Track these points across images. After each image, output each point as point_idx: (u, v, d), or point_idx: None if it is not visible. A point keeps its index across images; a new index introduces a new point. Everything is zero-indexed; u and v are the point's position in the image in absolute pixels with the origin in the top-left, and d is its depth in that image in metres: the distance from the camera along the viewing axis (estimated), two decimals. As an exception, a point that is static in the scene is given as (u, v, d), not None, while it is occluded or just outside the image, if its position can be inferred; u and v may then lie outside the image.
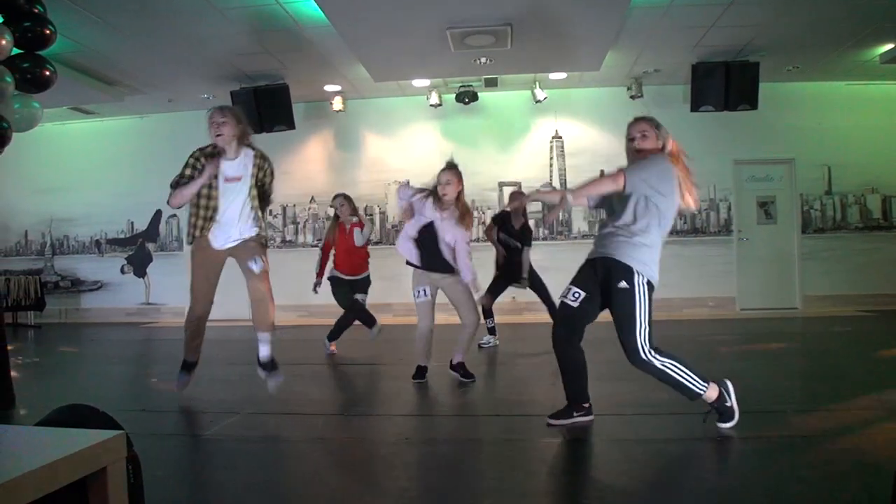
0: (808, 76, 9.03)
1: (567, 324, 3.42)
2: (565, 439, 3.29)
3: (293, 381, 5.23)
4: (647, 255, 3.27)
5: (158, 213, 10.46)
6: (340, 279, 6.30)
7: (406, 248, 4.77)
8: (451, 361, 4.89)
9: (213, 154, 4.16)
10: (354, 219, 6.31)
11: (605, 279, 3.33)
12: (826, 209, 9.47)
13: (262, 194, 4.34)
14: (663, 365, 3.24)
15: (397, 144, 10.01)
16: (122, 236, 10.58)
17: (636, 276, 3.24)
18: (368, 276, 6.51)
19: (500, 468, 2.93)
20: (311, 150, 10.17)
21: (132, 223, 10.55)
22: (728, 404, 3.32)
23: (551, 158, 9.72)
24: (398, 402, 4.44)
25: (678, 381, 3.26)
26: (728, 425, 3.31)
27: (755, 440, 3.16)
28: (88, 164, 10.44)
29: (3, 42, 4.03)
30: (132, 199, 10.33)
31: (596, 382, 4.77)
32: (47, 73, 4.52)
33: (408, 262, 4.81)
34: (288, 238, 10.12)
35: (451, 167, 4.81)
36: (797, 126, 9.37)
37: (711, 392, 3.29)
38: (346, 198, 6.33)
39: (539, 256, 9.88)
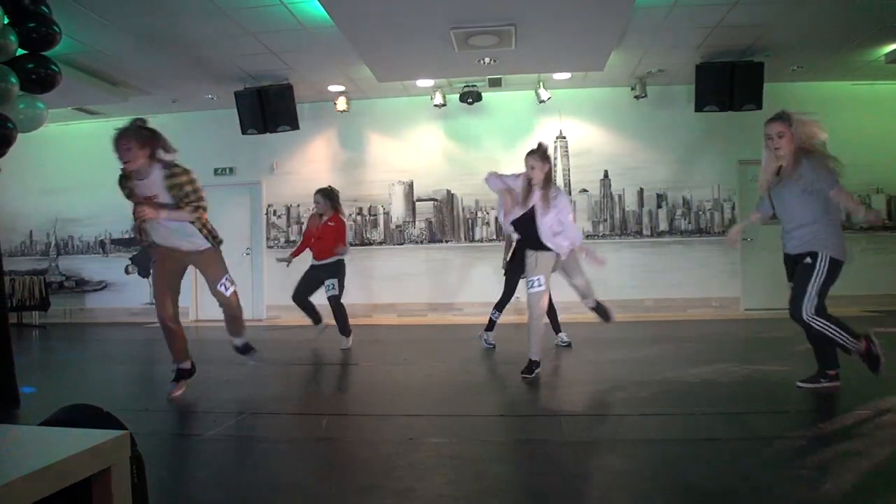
0: (812, 76, 9.01)
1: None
2: (569, 439, 3.28)
3: (296, 382, 5.24)
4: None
5: (163, 214, 10.47)
6: (311, 265, 6.73)
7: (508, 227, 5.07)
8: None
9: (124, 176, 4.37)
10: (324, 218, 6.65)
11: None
12: (831, 209, 9.44)
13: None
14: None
15: (401, 145, 10.02)
16: (126, 236, 10.58)
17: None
18: (336, 262, 6.61)
19: (505, 468, 2.92)
20: (315, 150, 10.18)
21: (136, 223, 10.55)
22: (875, 352, 3.88)
23: (555, 158, 9.70)
24: (401, 402, 4.43)
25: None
26: (877, 372, 3.87)
27: (757, 440, 3.15)
28: (93, 164, 10.40)
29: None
30: (136, 199, 10.36)
31: (599, 383, 4.77)
32: (52, 73, 4.52)
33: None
34: (292, 238, 10.11)
35: (534, 151, 4.98)
36: (802, 126, 9.33)
37: (861, 345, 3.89)
38: (325, 195, 6.65)
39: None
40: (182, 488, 2.70)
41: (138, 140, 4.16)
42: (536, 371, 4.87)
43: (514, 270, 6.52)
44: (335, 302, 6.49)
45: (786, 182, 3.94)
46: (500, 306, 6.52)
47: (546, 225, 4.79)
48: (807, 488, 2.50)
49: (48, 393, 4.74)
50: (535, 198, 4.85)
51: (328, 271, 6.51)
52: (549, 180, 4.91)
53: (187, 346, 4.60)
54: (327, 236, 6.50)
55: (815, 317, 3.87)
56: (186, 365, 4.59)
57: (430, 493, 2.55)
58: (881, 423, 3.37)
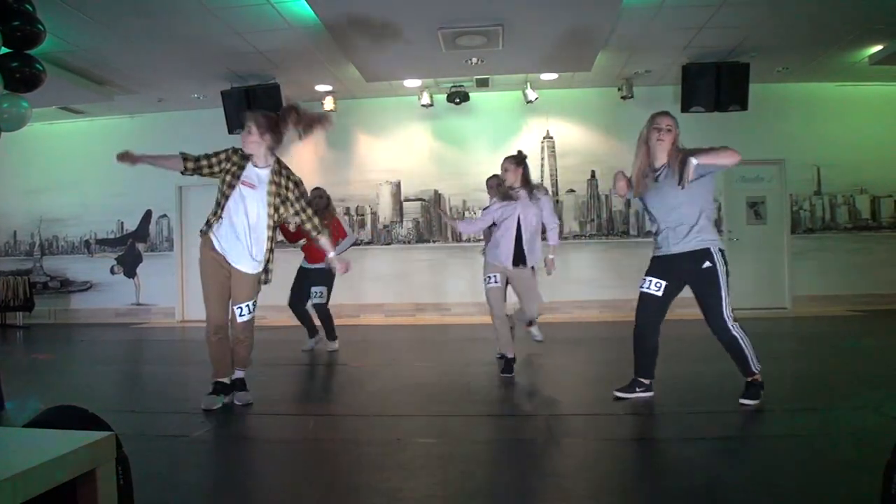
0: (798, 77, 9.08)
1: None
2: (556, 439, 3.30)
3: (284, 382, 5.22)
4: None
5: (148, 213, 10.42)
6: (302, 268, 6.53)
7: (493, 253, 4.96)
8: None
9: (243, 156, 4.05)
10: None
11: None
12: (815, 209, 9.53)
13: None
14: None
15: (388, 145, 10.01)
16: (111, 236, 10.52)
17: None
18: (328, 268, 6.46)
19: (491, 468, 2.93)
20: (302, 150, 10.11)
21: (122, 223, 10.49)
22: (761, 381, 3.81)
23: (542, 159, 9.73)
24: (389, 402, 4.43)
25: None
26: (753, 402, 3.73)
27: (745, 439, 3.17)
28: (78, 164, 10.37)
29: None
30: (122, 199, 10.29)
31: (586, 383, 4.79)
32: (37, 72, 4.49)
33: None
34: (279, 239, 10.04)
35: (510, 157, 4.98)
36: (787, 127, 9.41)
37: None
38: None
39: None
40: (168, 490, 2.68)
41: (262, 126, 3.98)
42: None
43: None
44: (322, 309, 6.38)
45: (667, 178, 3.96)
46: None
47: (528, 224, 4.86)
48: (797, 486, 2.53)
49: (33, 395, 4.70)
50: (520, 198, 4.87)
51: (320, 276, 6.30)
52: (526, 182, 4.96)
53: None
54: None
55: (736, 324, 3.87)
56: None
57: (418, 494, 2.55)
58: (869, 419, 3.41)
